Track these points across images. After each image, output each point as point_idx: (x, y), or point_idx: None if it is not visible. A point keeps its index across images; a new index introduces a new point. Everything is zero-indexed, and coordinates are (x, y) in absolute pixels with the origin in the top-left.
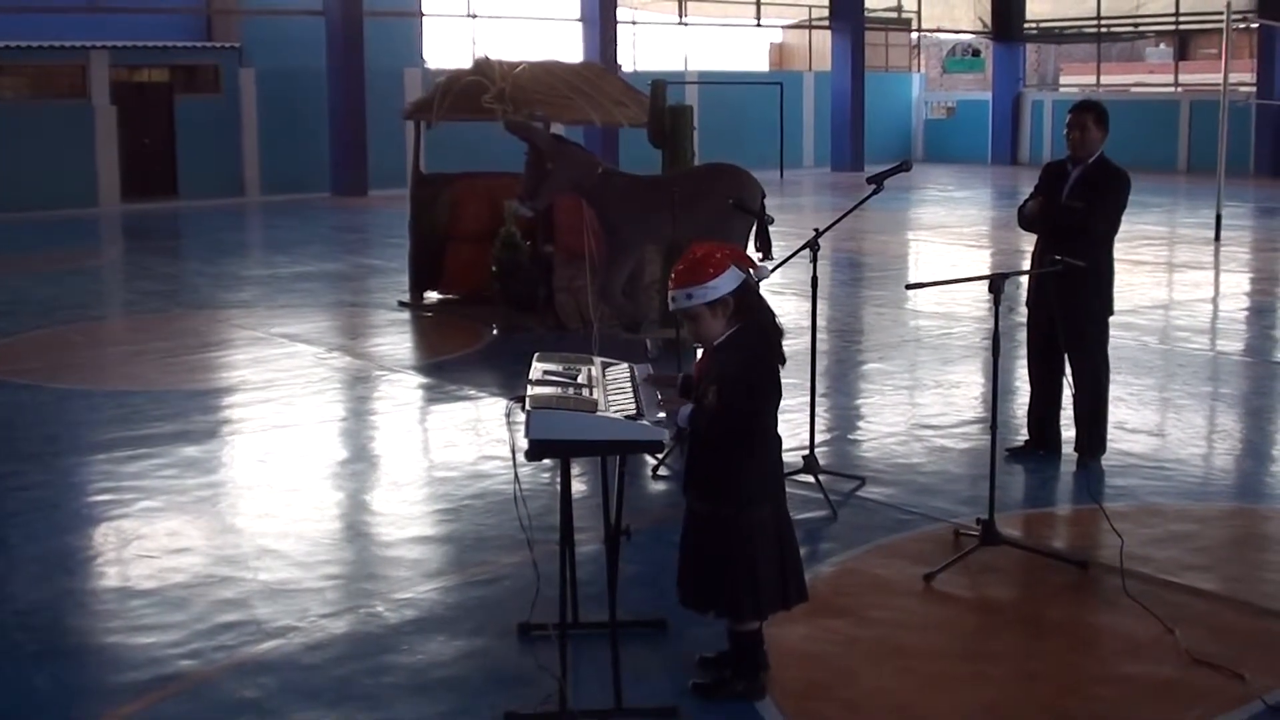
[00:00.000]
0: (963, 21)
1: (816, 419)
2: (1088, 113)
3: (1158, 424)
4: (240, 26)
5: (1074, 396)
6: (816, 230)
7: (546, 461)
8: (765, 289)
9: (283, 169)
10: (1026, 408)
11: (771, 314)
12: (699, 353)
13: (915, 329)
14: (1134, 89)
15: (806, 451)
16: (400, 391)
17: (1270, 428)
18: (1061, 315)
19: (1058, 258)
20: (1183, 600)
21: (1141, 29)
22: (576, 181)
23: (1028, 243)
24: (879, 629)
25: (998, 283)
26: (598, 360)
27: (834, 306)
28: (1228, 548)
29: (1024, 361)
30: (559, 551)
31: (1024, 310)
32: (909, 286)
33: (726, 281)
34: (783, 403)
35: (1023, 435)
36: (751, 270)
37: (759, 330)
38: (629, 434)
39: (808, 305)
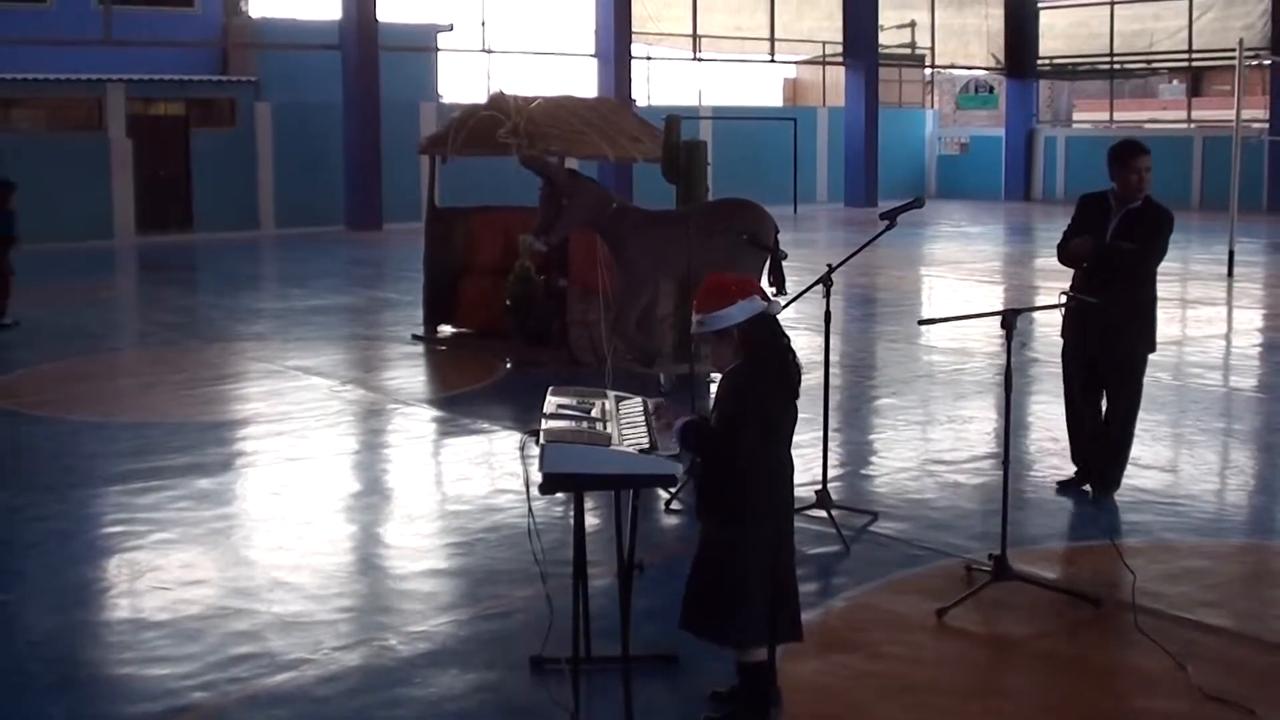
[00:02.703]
0: (976, 58)
1: (829, 454)
2: (1147, 154)
3: (1170, 460)
4: (256, 60)
5: (1110, 430)
6: (830, 266)
7: (560, 495)
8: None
9: (298, 202)
10: (1070, 442)
11: (787, 350)
12: (713, 390)
13: (928, 364)
14: (1147, 125)
15: (819, 486)
16: (414, 425)
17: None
18: (1103, 351)
19: (1067, 293)
20: (1195, 636)
21: (1154, 65)
22: (591, 216)
23: (1041, 278)
24: (891, 664)
25: (1010, 318)
26: (612, 394)
27: (847, 341)
28: (1240, 584)
29: (1037, 397)
30: (572, 585)
31: (1037, 347)
32: (922, 322)
33: (734, 314)
34: (796, 437)
35: (1047, 466)
36: (766, 304)
37: (761, 365)
38: (642, 468)
39: (821, 340)
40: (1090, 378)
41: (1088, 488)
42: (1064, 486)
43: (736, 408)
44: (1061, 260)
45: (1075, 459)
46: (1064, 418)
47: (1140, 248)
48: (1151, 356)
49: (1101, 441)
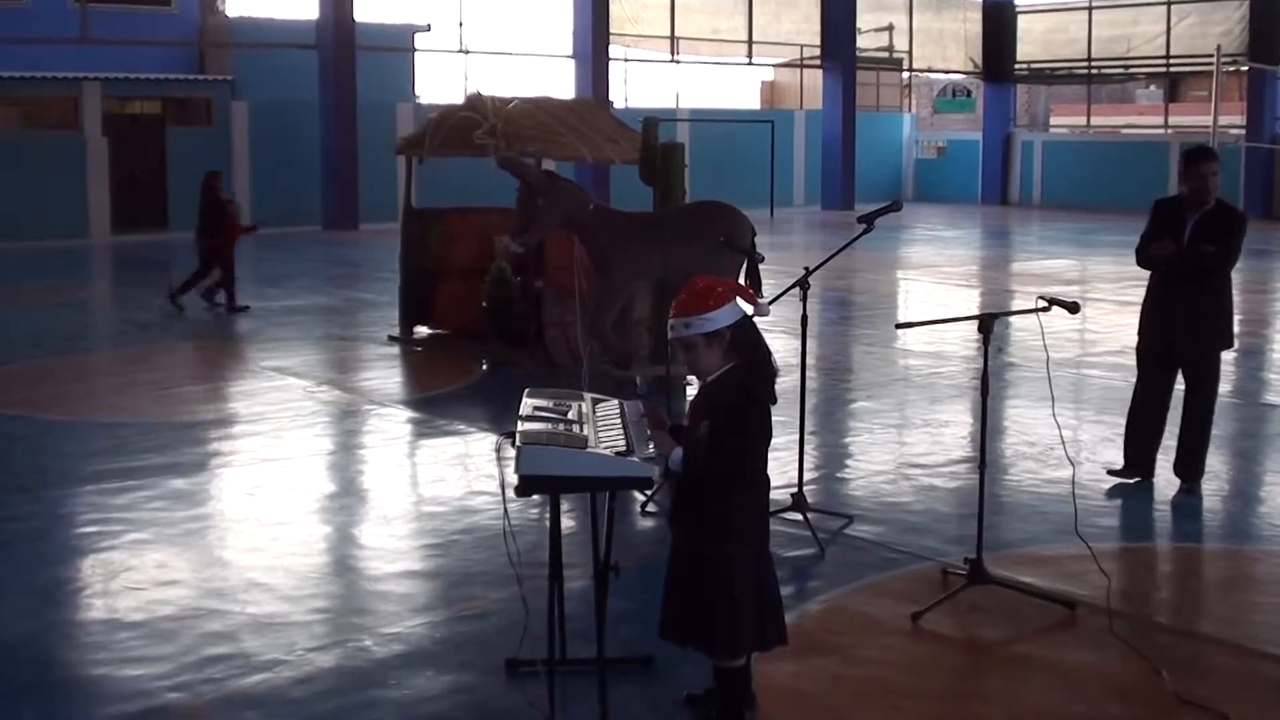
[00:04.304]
0: (954, 62)
1: (805, 457)
2: (1215, 160)
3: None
4: (233, 59)
5: (1185, 422)
6: (806, 269)
7: (536, 497)
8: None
9: (274, 202)
10: (1125, 437)
11: (768, 352)
12: (689, 391)
13: (904, 368)
14: (1124, 130)
15: (795, 489)
16: (390, 426)
17: (1258, 469)
18: (1186, 349)
19: (1043, 298)
20: (1170, 641)
21: (1132, 70)
22: (568, 218)
23: (1017, 283)
24: (866, 668)
25: (987, 322)
26: (588, 396)
27: (823, 345)
28: (1215, 589)
29: (1013, 401)
30: (548, 587)
31: (1013, 351)
32: (898, 326)
33: (725, 315)
34: (772, 440)
35: (1023, 470)
36: (752, 307)
37: (753, 369)
38: (618, 470)
39: (797, 343)
40: (1166, 378)
41: (1138, 479)
42: (1116, 473)
43: (741, 417)
44: (1141, 264)
45: (1127, 452)
46: (1125, 417)
47: (1220, 249)
48: (1128, 362)
49: (1183, 435)
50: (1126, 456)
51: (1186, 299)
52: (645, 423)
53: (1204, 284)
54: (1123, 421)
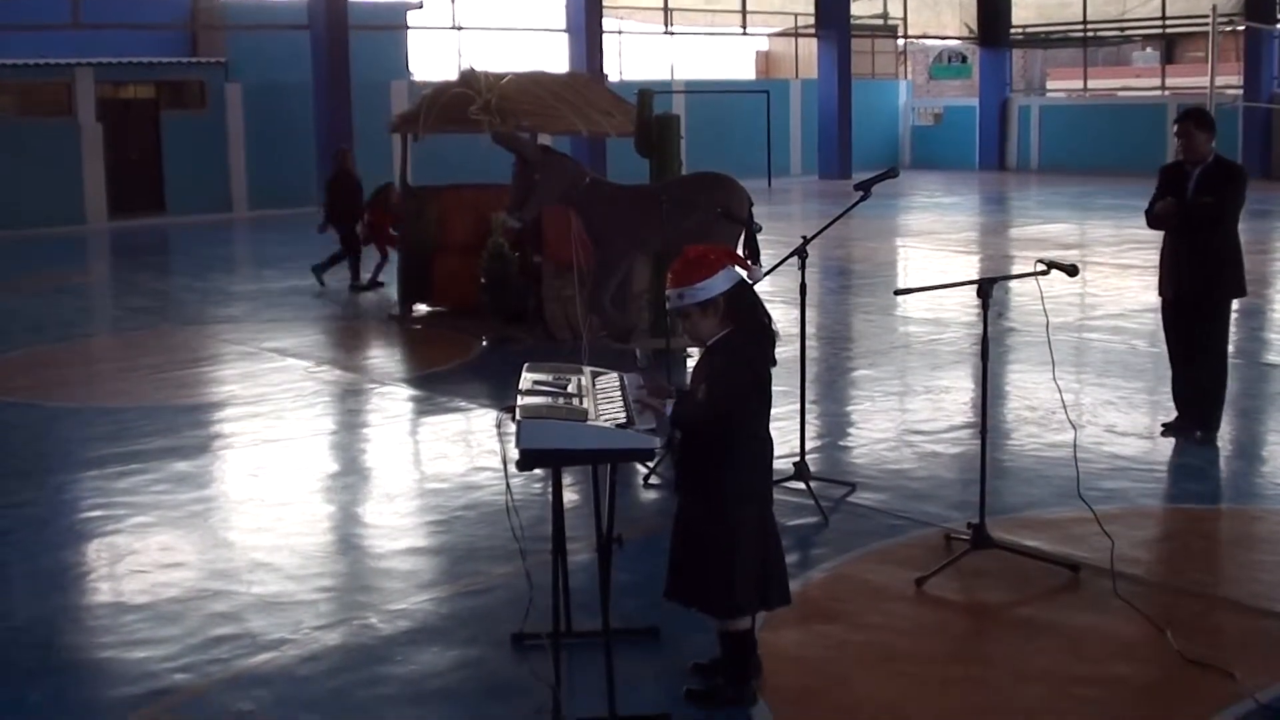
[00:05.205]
0: (949, 28)
1: (807, 425)
2: (1188, 120)
3: (1148, 426)
4: (225, 42)
5: (1198, 372)
6: (804, 237)
7: (538, 471)
8: None
9: (270, 183)
10: (1173, 389)
11: (766, 318)
12: (689, 364)
13: (904, 335)
14: (1121, 93)
15: (797, 458)
16: (391, 404)
17: (1259, 429)
18: (1196, 299)
19: (1042, 261)
20: (1173, 601)
21: (1128, 33)
22: (564, 192)
23: (1016, 248)
24: (871, 633)
25: (986, 287)
26: (587, 370)
27: (823, 313)
28: (1218, 548)
29: (1014, 366)
30: (551, 561)
31: (1013, 316)
32: (898, 292)
33: (718, 284)
34: (773, 409)
35: (1025, 435)
36: (746, 273)
37: (750, 334)
38: (619, 442)
39: (796, 312)
40: (1186, 329)
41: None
42: (1168, 429)
43: (734, 378)
44: (1150, 224)
45: (1178, 404)
46: (1124, 379)
47: (1217, 201)
48: (1127, 324)
49: (1196, 385)
50: (1179, 410)
51: (1194, 248)
52: (644, 394)
53: (1209, 235)
54: (1123, 384)
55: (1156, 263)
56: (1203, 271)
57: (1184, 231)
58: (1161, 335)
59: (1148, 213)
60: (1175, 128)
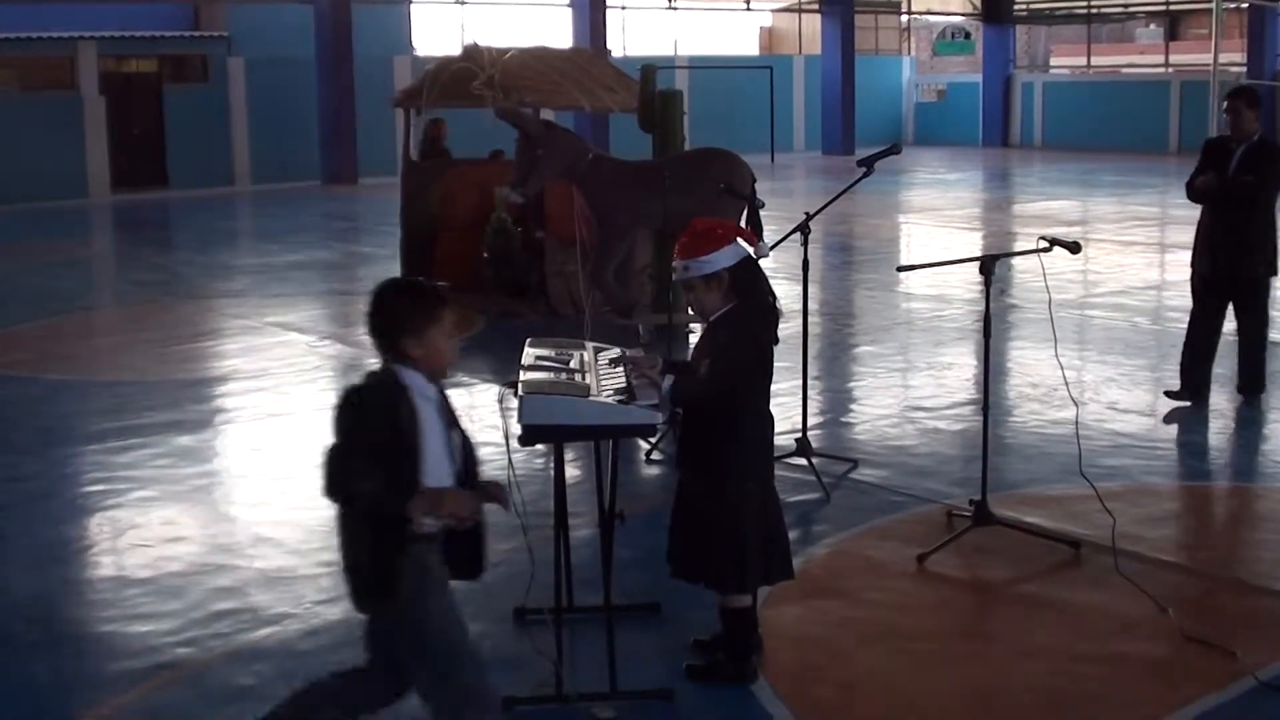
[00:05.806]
0: (953, 4)
1: (809, 402)
2: (1239, 98)
3: (1150, 404)
4: (228, 15)
5: (1241, 343)
6: (807, 214)
7: (540, 447)
8: None
9: (272, 158)
10: (1182, 360)
11: (770, 294)
12: (691, 340)
13: (907, 311)
14: (1124, 70)
15: (799, 434)
16: None
17: (1261, 406)
18: (1233, 273)
19: (1044, 238)
20: (1175, 579)
21: (1131, 10)
22: (567, 167)
23: (1019, 224)
24: (872, 610)
25: (989, 264)
26: (590, 345)
27: (825, 290)
28: (1220, 526)
29: (1016, 343)
30: (553, 536)
31: (1015, 292)
32: (900, 269)
33: (723, 258)
34: (775, 385)
35: (1027, 411)
36: (752, 248)
37: (753, 309)
38: (622, 418)
39: (799, 288)
40: (1218, 303)
41: (1190, 402)
42: (1171, 395)
43: (738, 353)
44: (1190, 197)
45: (1184, 376)
46: (1126, 356)
47: (1258, 180)
48: (1130, 301)
49: (1242, 355)
50: (1182, 380)
51: (1231, 225)
52: (631, 363)
53: (1248, 212)
54: (1125, 361)
55: (1191, 237)
56: (1244, 247)
57: (1223, 208)
58: (1166, 312)
59: (1189, 185)
60: (1224, 104)
